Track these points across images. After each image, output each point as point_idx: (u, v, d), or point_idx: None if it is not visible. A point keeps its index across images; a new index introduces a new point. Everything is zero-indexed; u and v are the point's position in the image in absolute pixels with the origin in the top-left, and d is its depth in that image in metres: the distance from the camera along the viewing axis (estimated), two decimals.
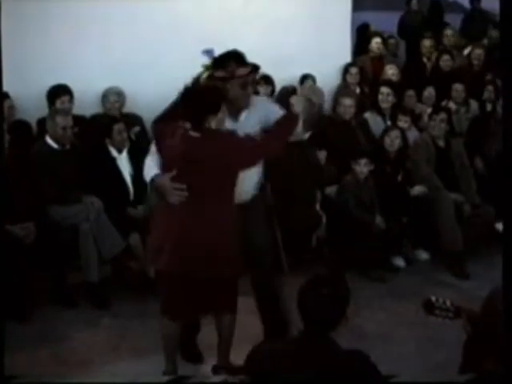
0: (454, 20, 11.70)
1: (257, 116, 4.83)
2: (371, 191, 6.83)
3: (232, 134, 4.65)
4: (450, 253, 6.83)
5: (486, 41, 10.27)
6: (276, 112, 4.87)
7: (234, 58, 4.89)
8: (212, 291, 4.69)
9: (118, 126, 6.55)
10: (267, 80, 7.87)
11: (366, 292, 6.14)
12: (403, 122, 7.45)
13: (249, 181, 4.86)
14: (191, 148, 4.53)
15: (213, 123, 4.55)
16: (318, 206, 6.79)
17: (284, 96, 7.60)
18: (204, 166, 4.51)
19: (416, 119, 7.83)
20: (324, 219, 6.71)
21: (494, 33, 10.25)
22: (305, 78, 8.23)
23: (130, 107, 7.47)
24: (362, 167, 6.76)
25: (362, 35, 10.62)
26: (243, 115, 4.85)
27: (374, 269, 6.60)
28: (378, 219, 6.64)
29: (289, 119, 4.84)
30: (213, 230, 4.56)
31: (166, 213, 4.69)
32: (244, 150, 4.63)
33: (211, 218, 4.56)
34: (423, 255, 7.02)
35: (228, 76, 4.76)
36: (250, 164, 4.72)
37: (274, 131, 4.80)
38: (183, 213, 4.57)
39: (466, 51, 9.82)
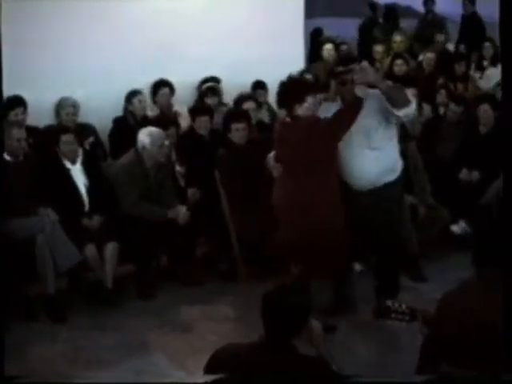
0: (410, 25, 11.85)
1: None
2: None
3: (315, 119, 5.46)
4: (406, 255, 6.88)
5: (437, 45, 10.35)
6: None
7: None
8: None
9: (66, 137, 6.48)
10: (214, 91, 7.90)
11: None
12: None
13: None
14: (283, 131, 5.60)
15: (300, 110, 5.41)
16: None
17: (240, 103, 7.64)
18: (294, 146, 5.41)
19: None
20: None
21: (441, 37, 10.36)
22: (257, 84, 8.24)
23: (82, 116, 7.39)
24: None
25: (315, 41, 10.68)
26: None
27: None
28: None
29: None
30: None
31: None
32: (322, 130, 5.41)
33: (310, 190, 5.42)
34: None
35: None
36: (328, 141, 5.43)
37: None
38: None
39: (421, 56, 9.91)
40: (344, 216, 5.55)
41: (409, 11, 13.61)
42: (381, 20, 11.89)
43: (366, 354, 5.45)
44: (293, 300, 3.23)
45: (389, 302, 4.06)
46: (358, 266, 6.74)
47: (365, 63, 5.24)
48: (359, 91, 5.54)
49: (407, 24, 11.99)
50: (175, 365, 5.24)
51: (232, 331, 5.76)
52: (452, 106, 7.98)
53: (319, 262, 5.48)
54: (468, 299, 3.62)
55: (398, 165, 5.79)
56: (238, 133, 6.87)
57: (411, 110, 5.59)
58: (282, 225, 5.58)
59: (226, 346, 3.42)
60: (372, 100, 5.54)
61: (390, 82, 5.67)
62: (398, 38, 10.13)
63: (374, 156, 5.55)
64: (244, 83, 8.26)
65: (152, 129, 6.61)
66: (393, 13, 11.91)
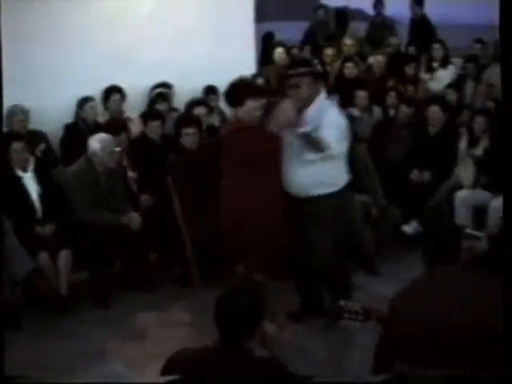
0: (361, 28, 11.93)
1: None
2: None
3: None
4: (361, 255, 6.95)
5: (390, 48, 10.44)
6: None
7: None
8: None
9: (16, 145, 6.42)
10: (164, 97, 7.91)
11: (278, 300, 6.11)
12: None
13: None
14: (229, 133, 5.68)
15: (240, 113, 5.54)
16: None
17: (191, 108, 7.64)
18: (241, 148, 5.47)
19: None
20: None
21: (394, 40, 10.46)
22: (208, 89, 8.26)
23: (33, 123, 7.32)
24: None
25: (266, 45, 10.72)
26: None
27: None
28: None
29: None
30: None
31: None
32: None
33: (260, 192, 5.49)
34: None
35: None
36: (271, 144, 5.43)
37: None
38: None
39: (371, 59, 9.99)
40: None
41: (359, 14, 13.73)
42: (331, 23, 11.95)
43: (323, 354, 5.48)
44: (244, 302, 3.24)
45: (342, 303, 4.06)
46: None
47: (286, 104, 4.99)
48: None
49: (358, 27, 12.08)
50: (132, 372, 5.22)
51: (187, 336, 5.75)
52: (402, 107, 8.06)
53: (274, 263, 5.51)
54: (418, 298, 3.67)
55: (338, 180, 5.59)
56: (189, 138, 6.87)
57: (329, 152, 5.28)
58: (235, 227, 5.59)
59: (181, 351, 3.42)
60: None
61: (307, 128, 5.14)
62: (348, 41, 10.19)
63: (306, 169, 5.42)
64: (195, 88, 8.27)
65: (102, 135, 6.58)
66: (343, 16, 11.98)
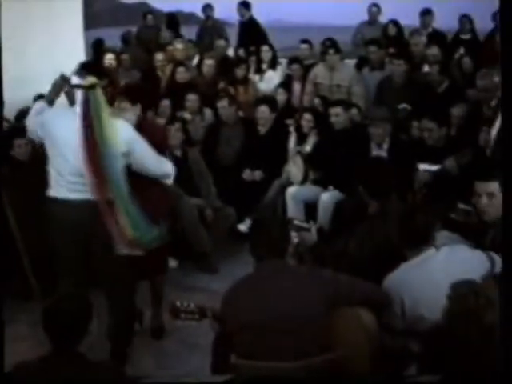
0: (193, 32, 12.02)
1: None
2: None
3: None
4: (198, 255, 7.07)
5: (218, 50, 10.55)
6: None
7: None
8: None
9: None
10: None
11: None
12: None
13: None
14: None
15: None
16: None
17: (21, 118, 7.52)
18: None
19: None
20: None
21: (222, 43, 10.61)
22: (39, 98, 8.14)
23: None
24: None
25: (97, 52, 10.64)
26: None
27: None
28: None
29: None
30: None
31: None
32: None
33: None
34: (172, 263, 7.11)
35: None
36: None
37: None
38: None
39: (195, 61, 10.11)
40: None
41: (192, 18, 13.78)
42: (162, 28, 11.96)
43: (164, 355, 5.55)
44: (68, 309, 3.29)
45: (177, 303, 4.15)
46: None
47: None
48: None
49: (190, 31, 12.14)
50: None
51: (29, 349, 5.67)
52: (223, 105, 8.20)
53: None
54: (247, 292, 3.82)
55: None
56: (21, 149, 6.78)
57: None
58: None
59: (18, 364, 3.44)
60: None
61: None
62: (179, 45, 10.21)
63: None
64: (26, 98, 8.14)
65: None
66: (174, 20, 12.01)
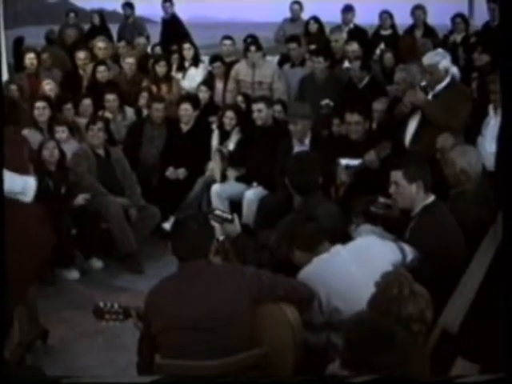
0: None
1: None
2: None
3: None
4: (124, 255, 7.03)
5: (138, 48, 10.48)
6: None
7: None
8: None
9: None
10: None
11: (43, 307, 6.06)
12: (60, 132, 7.45)
13: None
14: None
15: None
16: None
17: None
18: None
19: (75, 131, 7.85)
20: None
21: (141, 40, 10.54)
22: None
23: None
24: None
25: (18, 51, 10.45)
26: None
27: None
28: None
29: None
30: None
31: None
32: None
33: None
34: (97, 263, 7.07)
35: None
36: None
37: None
38: None
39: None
40: None
41: (114, 16, 13.59)
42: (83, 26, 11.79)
43: (92, 357, 5.49)
44: None
45: (101, 304, 4.11)
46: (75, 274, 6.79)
47: None
48: None
49: (113, 29, 11.97)
50: None
51: None
52: (155, 105, 8.16)
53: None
54: (169, 292, 3.82)
55: None
56: None
57: None
58: None
59: None
60: None
61: None
62: (100, 44, 10.08)
63: None
64: None
65: None
66: (100, 18, 11.84)
